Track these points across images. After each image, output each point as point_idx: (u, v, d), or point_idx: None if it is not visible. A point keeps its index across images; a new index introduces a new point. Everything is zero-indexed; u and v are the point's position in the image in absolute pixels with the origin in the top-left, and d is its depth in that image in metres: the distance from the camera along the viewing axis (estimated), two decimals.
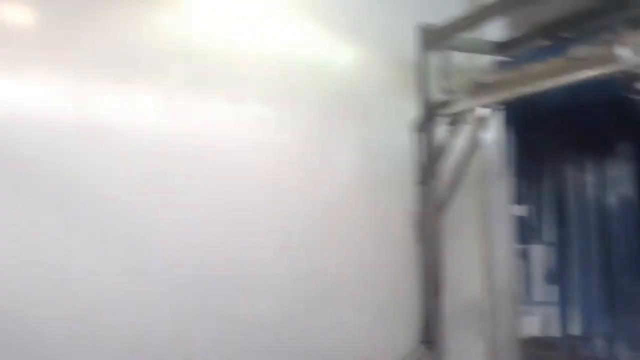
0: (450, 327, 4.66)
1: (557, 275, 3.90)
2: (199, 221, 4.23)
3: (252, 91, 4.46)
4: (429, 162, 4.47)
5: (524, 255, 4.16)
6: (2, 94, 3.75)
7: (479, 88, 3.80)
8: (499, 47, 4.59)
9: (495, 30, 4.91)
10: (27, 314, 3.73)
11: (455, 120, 4.24)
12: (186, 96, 4.24)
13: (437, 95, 4.36)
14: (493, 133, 4.80)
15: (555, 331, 3.99)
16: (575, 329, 3.80)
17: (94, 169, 3.94)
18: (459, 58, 4.70)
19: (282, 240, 4.45)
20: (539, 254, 4.05)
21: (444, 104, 4.24)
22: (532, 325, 4.24)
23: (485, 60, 4.83)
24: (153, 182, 4.10)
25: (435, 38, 4.35)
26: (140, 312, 4.01)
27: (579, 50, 3.15)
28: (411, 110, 4.56)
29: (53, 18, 3.91)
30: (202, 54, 4.30)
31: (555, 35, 4.05)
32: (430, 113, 4.41)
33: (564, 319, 3.85)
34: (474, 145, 4.58)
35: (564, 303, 3.84)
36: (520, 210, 4.25)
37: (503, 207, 4.45)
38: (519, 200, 4.23)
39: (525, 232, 4.22)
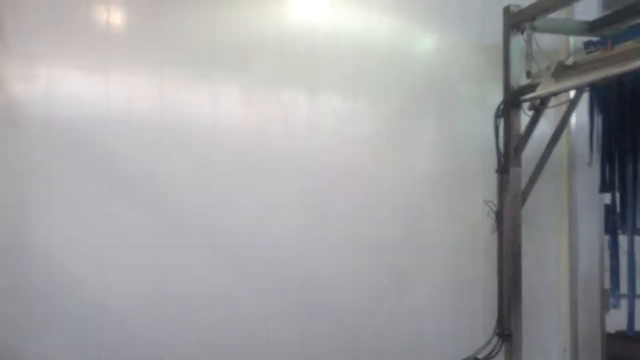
0: (530, 320, 4.53)
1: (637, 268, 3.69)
2: (285, 215, 4.31)
3: (333, 83, 4.49)
4: (510, 149, 4.32)
5: (613, 246, 3.94)
6: (95, 91, 3.95)
7: (565, 70, 3.62)
8: (589, 27, 4.33)
9: (585, 9, 4.69)
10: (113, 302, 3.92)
11: (539, 105, 4.08)
12: (265, 92, 4.32)
13: (522, 79, 4.19)
14: (578, 118, 4.61)
15: None
16: None
17: (179, 165, 4.09)
18: (544, 40, 4.53)
19: (365, 232, 4.47)
20: (628, 244, 3.82)
21: (528, 88, 4.08)
22: (619, 319, 4.02)
23: (571, 41, 4.63)
24: (236, 178, 4.21)
25: (520, 20, 4.15)
26: (234, 306, 4.15)
27: None
28: (495, 96, 4.43)
29: (139, 19, 4.10)
30: (279, 48, 4.35)
31: None
32: (513, 98, 4.25)
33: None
34: (558, 130, 4.40)
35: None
36: (608, 198, 4.01)
37: (589, 195, 4.23)
38: (606, 187, 4.00)
39: (613, 221, 3.99)
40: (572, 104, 4.33)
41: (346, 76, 4.51)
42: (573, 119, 4.68)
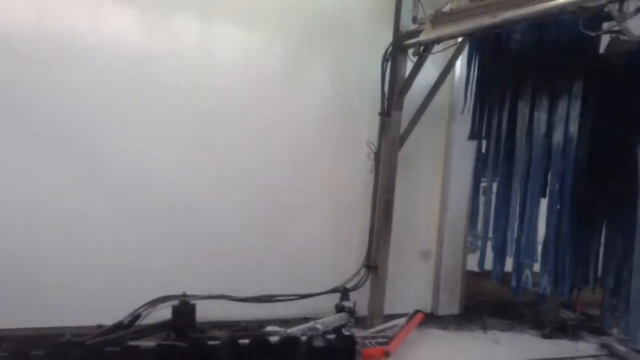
0: (401, 255, 4.87)
1: (501, 211, 3.98)
2: (169, 147, 4.25)
3: (227, 14, 4.40)
4: (394, 93, 4.49)
5: (474, 190, 4.23)
6: None
7: (442, 17, 3.75)
8: None
9: None
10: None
11: (423, 52, 4.21)
12: (155, 15, 4.16)
13: (411, 25, 4.31)
14: (456, 68, 4.81)
15: (494, 265, 4.11)
16: (510, 263, 3.93)
17: (58, 83, 3.90)
18: None
19: (254, 163, 4.51)
20: (487, 189, 4.11)
21: (414, 34, 4.20)
22: (473, 257, 4.38)
23: None
24: (128, 105, 4.09)
25: None
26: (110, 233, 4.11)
27: None
28: (388, 40, 4.53)
29: None
30: None
31: None
32: (400, 43, 4.39)
33: (502, 253, 3.96)
34: (441, 78, 4.58)
35: (504, 238, 3.94)
36: (480, 145, 4.27)
37: (466, 142, 4.48)
38: (475, 135, 4.26)
39: (477, 167, 4.27)
40: (456, 52, 4.50)
41: (241, 8, 4.43)
42: (459, 69, 4.89)
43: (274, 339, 3.62)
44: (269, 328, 3.82)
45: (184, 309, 3.74)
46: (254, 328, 4.06)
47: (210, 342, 3.51)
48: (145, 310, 3.74)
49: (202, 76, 4.35)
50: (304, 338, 3.70)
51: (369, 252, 4.59)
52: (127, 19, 4.10)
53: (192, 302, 3.86)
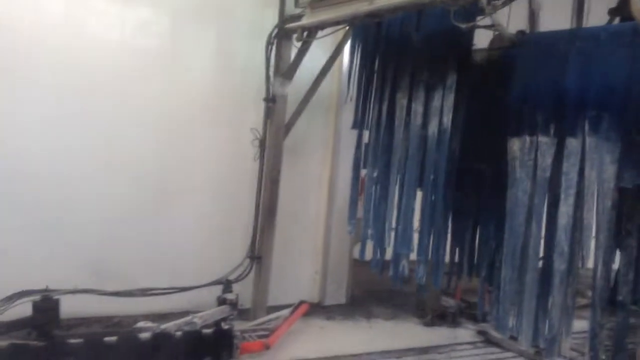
0: (287, 244, 4.78)
1: (380, 202, 4.00)
2: (52, 122, 3.94)
3: None
4: (279, 79, 4.36)
5: (354, 178, 4.22)
6: None
7: (321, 2, 3.66)
8: None
9: None
10: None
11: (306, 37, 4.11)
12: None
13: (294, 9, 4.19)
14: (344, 57, 4.75)
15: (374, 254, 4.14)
16: (390, 252, 3.98)
17: None
18: None
19: (129, 148, 4.25)
20: (367, 178, 4.11)
21: (297, 18, 4.08)
22: (358, 247, 4.38)
23: None
24: None
25: None
26: None
27: None
28: (273, 23, 4.36)
29: None
30: None
31: None
32: (284, 26, 4.25)
33: (381, 243, 3.99)
34: (327, 65, 4.50)
35: (382, 228, 3.96)
36: (361, 134, 4.25)
37: (349, 131, 4.44)
38: (357, 124, 4.23)
39: (357, 156, 4.26)
40: (342, 40, 4.44)
41: None
42: (346, 58, 4.81)
43: (144, 335, 3.42)
44: (141, 324, 3.61)
45: (46, 304, 3.47)
46: (127, 324, 3.85)
47: (72, 341, 3.26)
48: (0, 306, 3.44)
49: (70, 53, 4.00)
50: (178, 334, 3.53)
51: (253, 242, 4.46)
52: None
53: (55, 297, 3.58)
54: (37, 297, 3.50)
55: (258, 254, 4.37)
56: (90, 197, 4.13)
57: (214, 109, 4.57)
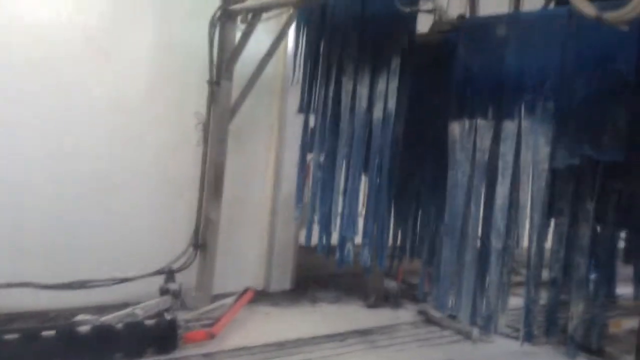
0: (229, 230, 4.69)
1: (326, 186, 4.01)
2: None
3: None
4: (223, 61, 4.27)
5: (300, 163, 4.20)
6: None
7: None
8: None
9: None
10: None
11: (251, 19, 4.04)
12: None
13: None
14: (289, 40, 4.71)
15: (320, 238, 4.15)
16: (336, 237, 4.00)
17: None
18: None
19: (67, 131, 4.05)
20: (314, 163, 4.11)
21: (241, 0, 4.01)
22: (304, 232, 4.37)
23: None
24: None
25: None
26: None
27: None
28: (216, 5, 4.25)
29: None
30: None
31: None
32: (228, 7, 4.16)
33: (327, 227, 4.00)
34: (272, 48, 4.44)
35: (329, 212, 3.97)
36: (307, 118, 4.23)
37: (294, 115, 4.41)
38: (303, 108, 4.21)
39: (304, 140, 4.24)
40: (287, 22, 4.38)
41: None
42: (291, 41, 4.74)
43: (83, 328, 3.31)
44: (80, 317, 3.49)
45: None
46: (66, 318, 3.71)
47: (8, 336, 3.11)
48: None
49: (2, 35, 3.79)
50: (119, 326, 3.44)
51: (197, 230, 4.38)
52: None
53: None
54: None
55: (202, 242, 4.29)
56: (27, 187, 3.93)
57: (155, 92, 4.42)
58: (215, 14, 4.20)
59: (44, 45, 3.96)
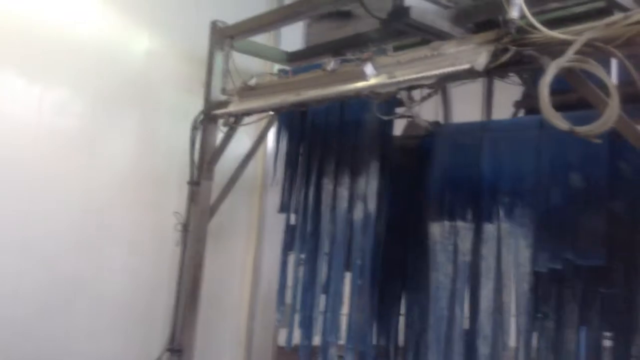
0: (208, 333, 4.56)
1: (308, 287, 3.97)
2: None
3: (29, 68, 3.98)
4: (204, 162, 4.31)
5: (282, 264, 4.17)
6: None
7: (248, 92, 3.74)
8: (288, 57, 4.62)
9: (292, 40, 5.01)
10: None
11: (233, 122, 4.14)
12: None
13: (220, 95, 4.25)
14: (268, 140, 4.84)
15: (302, 341, 4.03)
16: (317, 338, 3.90)
17: None
18: (253, 62, 4.73)
19: (49, 232, 4.01)
20: (295, 263, 4.09)
21: (223, 104, 4.13)
22: (284, 333, 4.25)
23: (275, 67, 4.86)
24: None
25: (224, 36, 4.23)
26: None
27: (337, 64, 3.23)
28: (199, 108, 4.37)
29: None
30: None
31: (340, 53, 4.17)
32: (211, 112, 4.27)
33: (309, 330, 3.92)
34: (253, 149, 4.55)
35: (311, 314, 3.91)
36: (288, 218, 4.26)
37: (274, 215, 4.43)
38: (284, 208, 4.25)
39: (285, 240, 4.24)
40: (267, 126, 4.52)
41: (34, 61, 4.02)
42: (271, 141, 4.89)
43: None
44: None
45: None
46: None
47: None
48: None
49: None
50: None
51: (173, 333, 4.22)
52: None
53: None
54: None
55: (178, 347, 4.12)
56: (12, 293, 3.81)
57: (135, 192, 4.43)
58: (197, 118, 4.30)
59: (27, 145, 3.96)
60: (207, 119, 4.26)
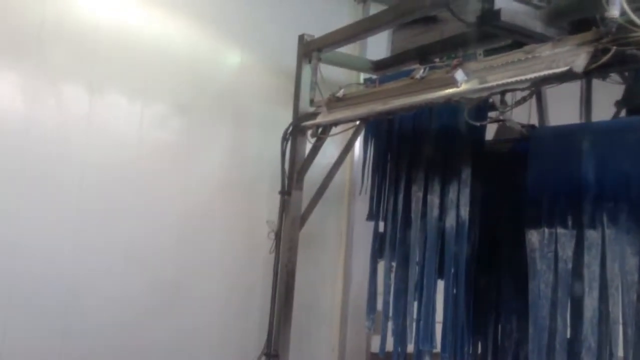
0: (302, 339, 4.68)
1: (400, 295, 3.96)
2: (55, 223, 3.99)
3: (119, 84, 4.29)
4: (294, 172, 4.44)
5: (371, 271, 4.20)
6: None
7: (336, 102, 3.80)
8: (373, 66, 4.66)
9: (377, 48, 5.04)
10: None
11: (321, 133, 4.24)
12: (40, 84, 4.00)
13: (308, 108, 4.36)
14: (355, 149, 4.89)
15: (395, 349, 4.02)
16: (412, 346, 3.87)
17: None
18: (340, 73, 4.82)
19: (151, 244, 4.31)
20: (385, 270, 4.10)
21: (311, 116, 4.23)
22: (377, 340, 4.26)
23: (362, 77, 4.91)
24: (4, 178, 3.85)
25: (311, 49, 4.34)
26: None
27: (425, 72, 3.22)
28: (288, 120, 4.52)
29: None
30: (57, 39, 4.07)
31: (427, 59, 4.16)
32: (300, 123, 4.39)
33: (403, 335, 3.90)
34: (340, 158, 4.62)
35: (403, 322, 3.89)
36: (377, 226, 4.28)
37: (362, 222, 4.47)
38: (372, 216, 4.28)
39: (374, 247, 4.26)
40: (354, 135, 4.57)
41: (135, 79, 4.34)
42: (358, 149, 4.94)
43: None
44: None
45: None
46: None
47: None
48: None
49: (90, 147, 4.14)
50: None
51: (269, 338, 4.35)
52: (5, 84, 3.91)
53: None
54: None
55: (274, 352, 4.25)
56: (103, 300, 4.10)
57: (228, 200, 4.65)
58: (287, 130, 4.43)
59: (130, 161, 4.29)
60: (296, 130, 4.39)
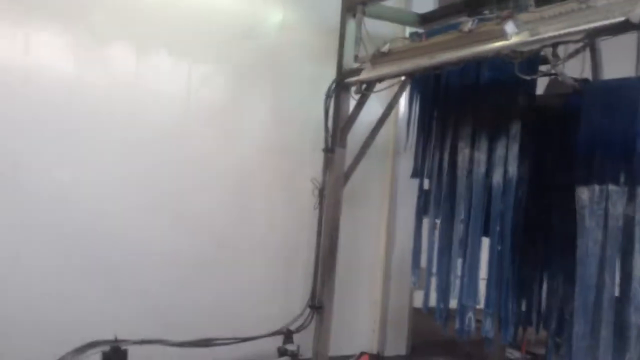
0: (346, 294, 4.75)
1: (444, 251, 3.96)
2: (105, 180, 4.11)
3: (167, 45, 4.32)
4: (337, 130, 4.44)
5: (416, 228, 4.21)
6: None
7: (381, 57, 3.74)
8: (419, 19, 4.54)
9: (423, 2, 4.92)
10: None
11: (364, 90, 4.20)
12: (91, 46, 4.07)
13: (352, 64, 4.31)
14: (400, 106, 4.83)
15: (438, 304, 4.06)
16: (455, 302, 3.90)
17: None
18: (385, 27, 4.72)
19: (190, 197, 4.39)
20: (430, 227, 4.10)
21: (355, 72, 4.19)
22: (420, 295, 4.31)
23: (407, 31, 4.79)
24: (57, 136, 3.96)
25: (355, 3, 4.26)
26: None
27: (474, 25, 3.13)
28: (330, 78, 4.48)
29: None
30: (120, 1, 4.13)
31: (476, 11, 4.03)
32: (343, 80, 4.36)
33: (445, 294, 3.93)
34: (384, 116, 4.57)
35: (447, 278, 3.91)
36: (422, 183, 4.27)
37: (406, 180, 4.46)
38: (417, 173, 4.25)
39: (419, 205, 4.25)
40: (399, 91, 4.50)
41: (180, 38, 4.37)
42: (402, 106, 4.89)
43: None
44: None
45: (115, 355, 3.56)
46: None
47: None
48: (71, 358, 3.54)
49: (137, 106, 4.22)
50: None
51: (313, 292, 4.46)
52: (57, 48, 4.00)
53: (124, 347, 3.67)
54: (106, 348, 3.61)
55: (319, 304, 4.36)
56: (151, 257, 4.25)
57: (273, 158, 4.70)
58: (330, 87, 4.40)
59: (175, 119, 4.37)
60: (340, 87, 4.36)
